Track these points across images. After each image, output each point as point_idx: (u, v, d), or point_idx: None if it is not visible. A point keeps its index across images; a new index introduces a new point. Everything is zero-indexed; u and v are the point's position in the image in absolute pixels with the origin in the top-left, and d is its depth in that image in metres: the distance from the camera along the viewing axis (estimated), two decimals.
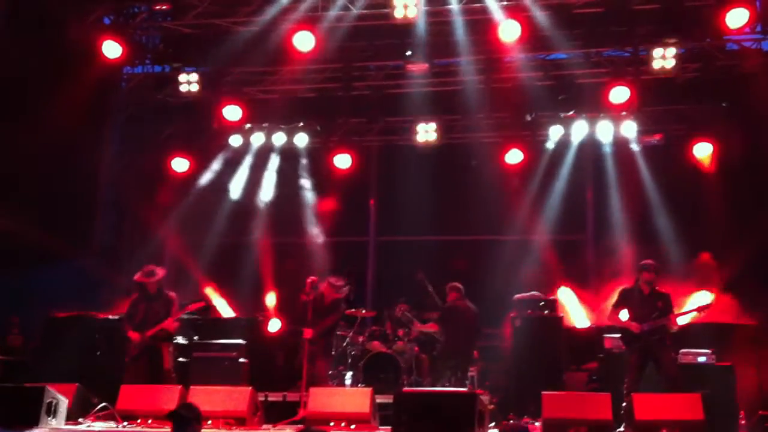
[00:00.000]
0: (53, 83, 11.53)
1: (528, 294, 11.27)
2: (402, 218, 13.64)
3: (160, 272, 9.53)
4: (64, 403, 8.14)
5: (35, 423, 7.62)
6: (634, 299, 9.26)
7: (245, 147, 13.69)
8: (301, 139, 13.40)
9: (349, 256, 14.03)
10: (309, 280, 10.76)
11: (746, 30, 10.71)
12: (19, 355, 11.59)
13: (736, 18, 10.13)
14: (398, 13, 10.39)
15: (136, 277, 9.49)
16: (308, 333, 9.91)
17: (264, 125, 13.35)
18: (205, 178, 13.52)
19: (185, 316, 10.42)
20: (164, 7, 11.91)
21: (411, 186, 13.39)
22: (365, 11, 11.09)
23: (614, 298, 9.42)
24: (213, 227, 13.47)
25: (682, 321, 9.41)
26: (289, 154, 13.77)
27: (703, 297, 12.12)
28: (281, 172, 13.88)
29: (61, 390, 8.19)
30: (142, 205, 13.39)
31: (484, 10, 10.84)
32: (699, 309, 9.43)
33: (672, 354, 9.13)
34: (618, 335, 9.59)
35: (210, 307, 12.76)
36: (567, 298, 13.06)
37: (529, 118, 12.45)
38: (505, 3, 10.70)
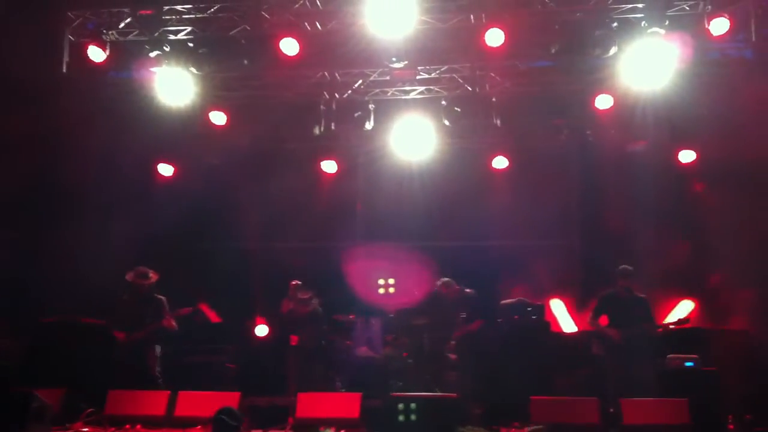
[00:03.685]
0: None
1: (515, 300, 11.28)
2: (388, 223, 13.59)
3: (154, 276, 9.44)
4: (50, 408, 8.07)
5: (22, 428, 7.54)
6: (614, 305, 9.38)
7: (233, 151, 13.61)
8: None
9: (334, 261, 13.90)
10: (292, 284, 10.82)
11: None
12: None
13: (718, 26, 10.26)
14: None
15: (128, 277, 9.39)
16: (294, 340, 9.94)
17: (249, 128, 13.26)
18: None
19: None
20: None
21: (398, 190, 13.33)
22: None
23: (594, 304, 9.55)
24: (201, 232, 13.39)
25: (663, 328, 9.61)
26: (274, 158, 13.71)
27: (685, 306, 12.27)
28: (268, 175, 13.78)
29: (48, 395, 8.11)
30: None
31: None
32: (680, 321, 9.57)
33: (653, 359, 9.21)
34: (600, 341, 9.66)
35: (198, 312, 12.68)
36: (554, 304, 13.11)
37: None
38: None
